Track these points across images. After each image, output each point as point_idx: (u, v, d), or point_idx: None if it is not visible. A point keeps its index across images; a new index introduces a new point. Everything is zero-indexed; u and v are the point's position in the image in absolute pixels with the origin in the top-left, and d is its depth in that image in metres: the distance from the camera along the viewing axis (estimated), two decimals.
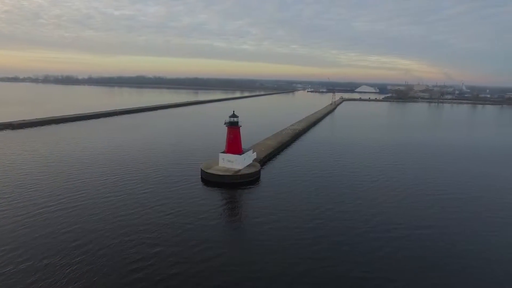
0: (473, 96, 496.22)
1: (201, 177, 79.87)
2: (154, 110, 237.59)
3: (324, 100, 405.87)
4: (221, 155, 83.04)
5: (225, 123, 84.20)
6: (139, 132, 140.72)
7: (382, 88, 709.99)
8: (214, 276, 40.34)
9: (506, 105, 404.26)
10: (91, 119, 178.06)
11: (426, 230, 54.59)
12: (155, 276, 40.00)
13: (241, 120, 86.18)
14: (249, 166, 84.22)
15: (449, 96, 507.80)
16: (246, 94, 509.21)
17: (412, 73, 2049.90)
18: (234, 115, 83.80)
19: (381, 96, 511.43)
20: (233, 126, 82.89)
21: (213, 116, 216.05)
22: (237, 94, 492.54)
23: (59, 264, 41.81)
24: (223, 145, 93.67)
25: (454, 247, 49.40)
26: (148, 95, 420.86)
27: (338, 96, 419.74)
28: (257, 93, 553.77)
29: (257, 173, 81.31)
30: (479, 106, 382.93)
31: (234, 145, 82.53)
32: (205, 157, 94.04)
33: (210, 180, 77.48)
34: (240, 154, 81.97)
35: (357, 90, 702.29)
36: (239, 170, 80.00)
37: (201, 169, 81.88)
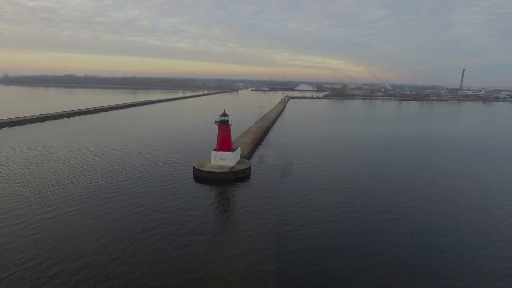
0: (398, 94, 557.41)
1: (194, 175, 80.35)
2: (106, 111, 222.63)
3: (269, 98, 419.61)
4: (213, 153, 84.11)
5: (215, 122, 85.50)
6: (99, 136, 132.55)
7: (318, 87, 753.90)
8: (214, 276, 40.46)
9: (425, 101, 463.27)
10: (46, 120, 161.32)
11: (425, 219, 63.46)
12: (154, 274, 40.27)
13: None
14: (239, 162, 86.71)
15: (379, 94, 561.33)
16: (188, 93, 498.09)
17: (342, 72, 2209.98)
18: (224, 114, 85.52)
19: (321, 94, 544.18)
20: (224, 125, 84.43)
21: (175, 116, 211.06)
22: (180, 94, 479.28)
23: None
24: (202, 143, 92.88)
25: (419, 228, 58.66)
26: (84, 96, 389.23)
27: (284, 94, 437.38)
28: (201, 92, 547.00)
29: (249, 169, 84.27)
30: (405, 102, 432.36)
31: (225, 143, 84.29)
32: (191, 156, 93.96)
33: (205, 177, 78.39)
34: (232, 151, 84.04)
35: (296, 88, 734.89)
36: (233, 167, 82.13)
37: (193, 167, 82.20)
